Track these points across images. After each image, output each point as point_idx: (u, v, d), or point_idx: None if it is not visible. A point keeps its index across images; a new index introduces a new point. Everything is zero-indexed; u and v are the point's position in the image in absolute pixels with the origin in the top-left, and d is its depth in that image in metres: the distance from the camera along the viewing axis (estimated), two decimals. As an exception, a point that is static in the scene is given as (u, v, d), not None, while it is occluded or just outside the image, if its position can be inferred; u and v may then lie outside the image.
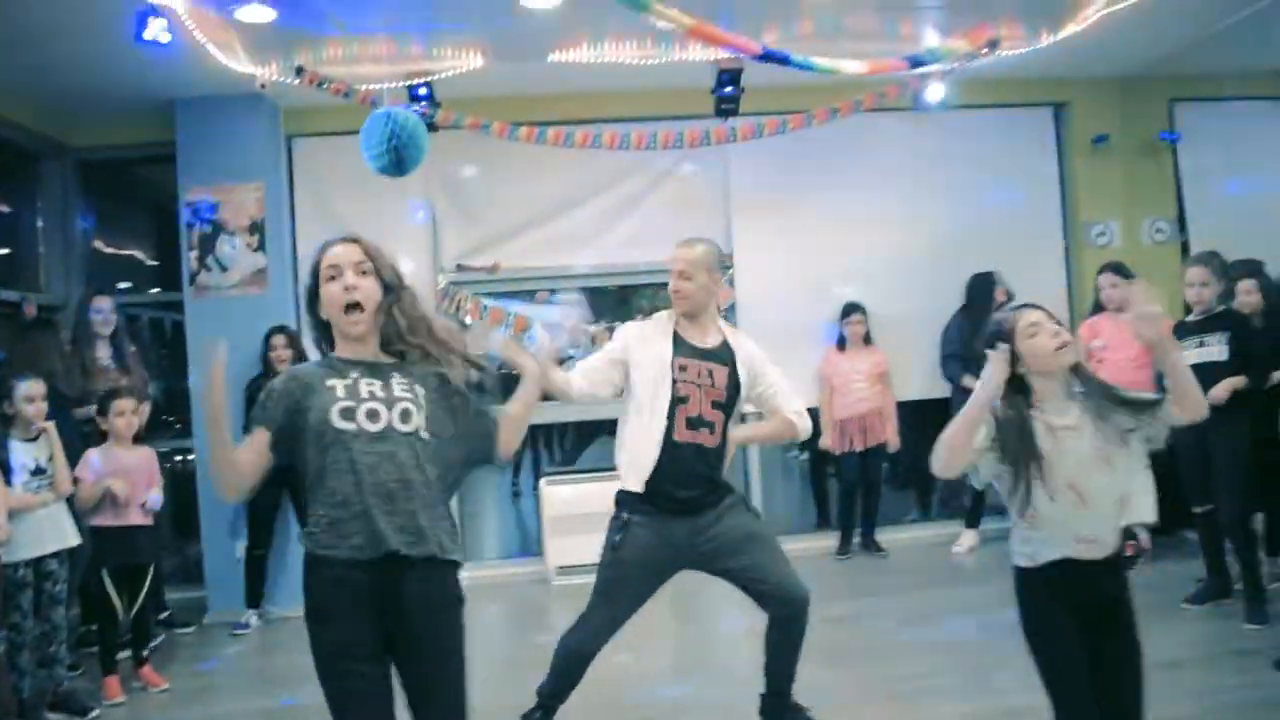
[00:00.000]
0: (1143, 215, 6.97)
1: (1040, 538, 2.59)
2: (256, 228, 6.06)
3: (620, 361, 3.64)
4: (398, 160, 3.59)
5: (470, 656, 2.49)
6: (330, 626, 2.37)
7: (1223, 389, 4.54)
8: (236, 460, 2.39)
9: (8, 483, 4.21)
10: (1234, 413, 4.53)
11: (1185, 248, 6.87)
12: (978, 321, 6.36)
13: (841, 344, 6.60)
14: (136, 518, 4.67)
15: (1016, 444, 2.54)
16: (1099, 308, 5.79)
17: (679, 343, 3.60)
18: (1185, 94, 7.06)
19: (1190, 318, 4.85)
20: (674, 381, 3.52)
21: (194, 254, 6.03)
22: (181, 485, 6.49)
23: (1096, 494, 2.54)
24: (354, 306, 2.46)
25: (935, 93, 6.16)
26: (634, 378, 3.60)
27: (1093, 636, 2.57)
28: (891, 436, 6.53)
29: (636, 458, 3.54)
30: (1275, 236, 6.14)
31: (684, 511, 3.51)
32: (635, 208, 6.77)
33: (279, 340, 5.76)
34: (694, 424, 3.52)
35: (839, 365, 6.54)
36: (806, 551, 6.40)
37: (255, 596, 5.81)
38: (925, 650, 4.66)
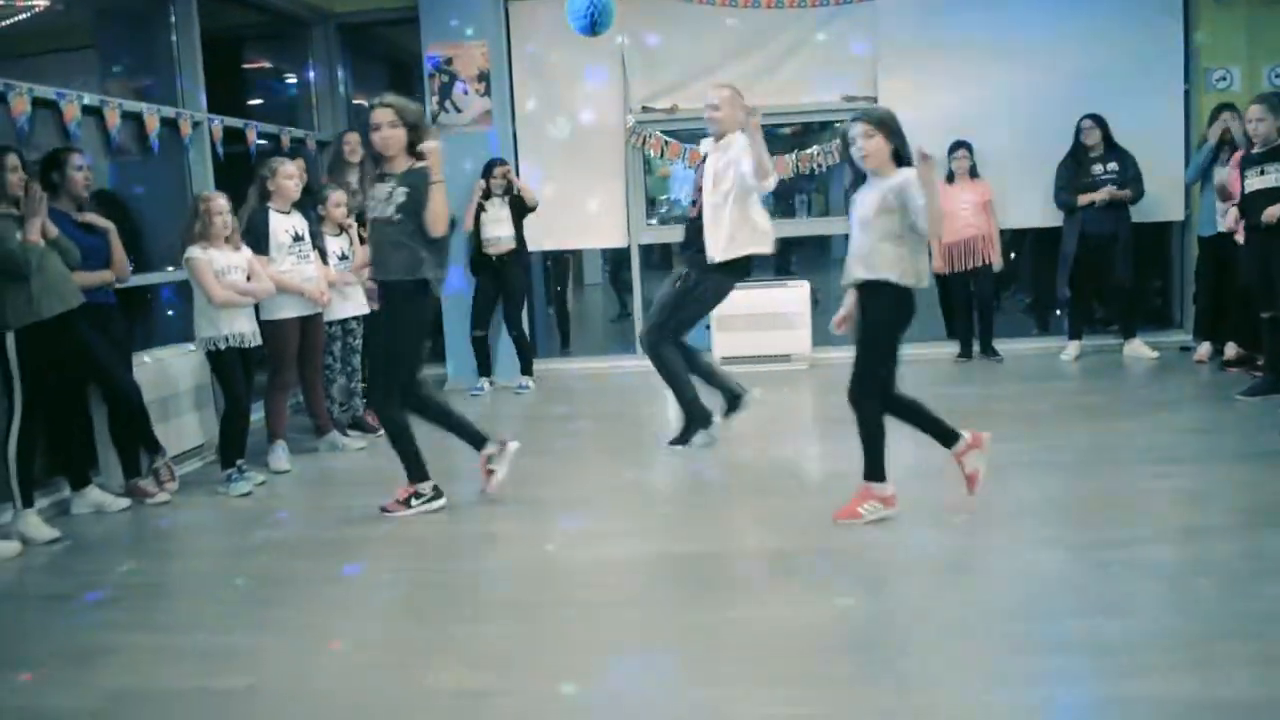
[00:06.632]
0: (1264, 62, 7.44)
1: None
2: (483, 76, 7.50)
3: None
4: (592, 24, 5.10)
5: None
6: None
7: (1276, 209, 5.41)
8: None
9: (324, 261, 5.80)
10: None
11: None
12: (1080, 159, 7.25)
13: (950, 178, 7.44)
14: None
15: None
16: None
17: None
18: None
19: (1254, 150, 5.66)
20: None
21: (435, 98, 7.54)
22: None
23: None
24: None
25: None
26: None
27: None
28: (995, 257, 7.44)
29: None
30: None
31: None
32: (792, 56, 7.84)
33: (500, 170, 7.21)
34: None
35: (946, 196, 7.34)
36: (934, 356, 7.54)
37: (485, 368, 7.48)
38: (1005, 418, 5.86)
